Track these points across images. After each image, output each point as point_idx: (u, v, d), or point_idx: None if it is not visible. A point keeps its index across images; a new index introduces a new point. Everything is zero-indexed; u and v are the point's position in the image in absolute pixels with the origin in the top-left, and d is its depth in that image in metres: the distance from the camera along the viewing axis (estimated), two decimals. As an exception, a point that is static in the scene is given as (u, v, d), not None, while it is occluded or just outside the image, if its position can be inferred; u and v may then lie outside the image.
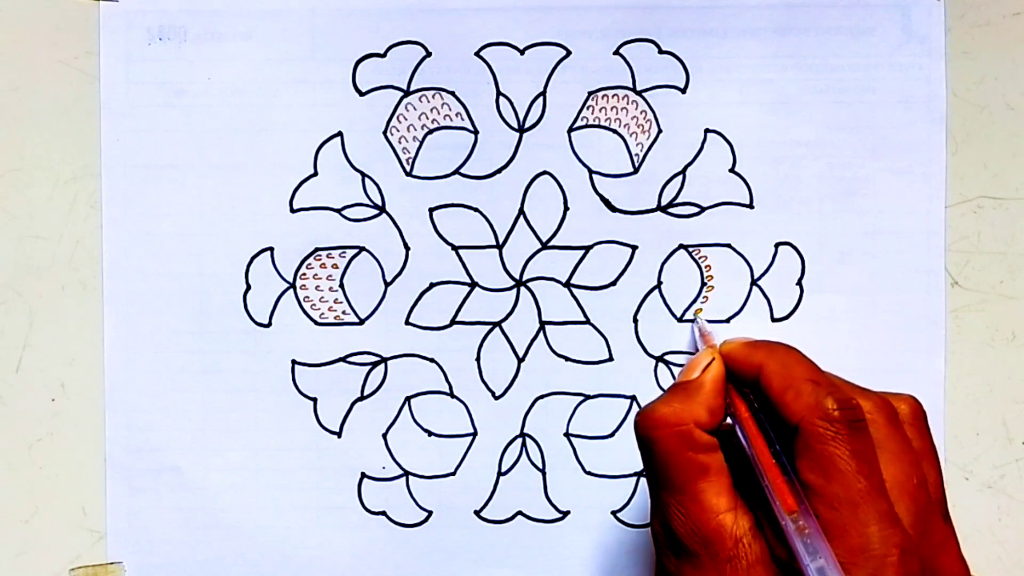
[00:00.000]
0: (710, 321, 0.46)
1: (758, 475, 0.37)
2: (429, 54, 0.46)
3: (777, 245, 0.46)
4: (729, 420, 0.39)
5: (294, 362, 0.47)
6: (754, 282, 0.46)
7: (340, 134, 0.46)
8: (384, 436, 0.47)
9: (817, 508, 0.35)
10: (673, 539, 0.37)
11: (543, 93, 0.46)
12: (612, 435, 0.47)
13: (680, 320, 0.47)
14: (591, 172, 0.46)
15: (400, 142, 0.47)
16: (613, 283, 0.47)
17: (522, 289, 0.47)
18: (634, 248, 0.47)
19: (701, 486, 0.37)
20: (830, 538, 0.35)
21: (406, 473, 0.47)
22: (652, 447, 0.38)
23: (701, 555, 0.36)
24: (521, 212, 0.46)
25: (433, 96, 0.46)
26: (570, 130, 0.46)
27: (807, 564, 0.34)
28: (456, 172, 0.47)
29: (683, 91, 0.46)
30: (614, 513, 0.47)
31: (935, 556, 0.36)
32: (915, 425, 0.38)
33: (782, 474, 0.36)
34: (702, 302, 0.46)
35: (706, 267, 0.47)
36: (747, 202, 0.46)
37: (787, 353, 0.39)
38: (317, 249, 0.47)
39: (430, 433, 0.47)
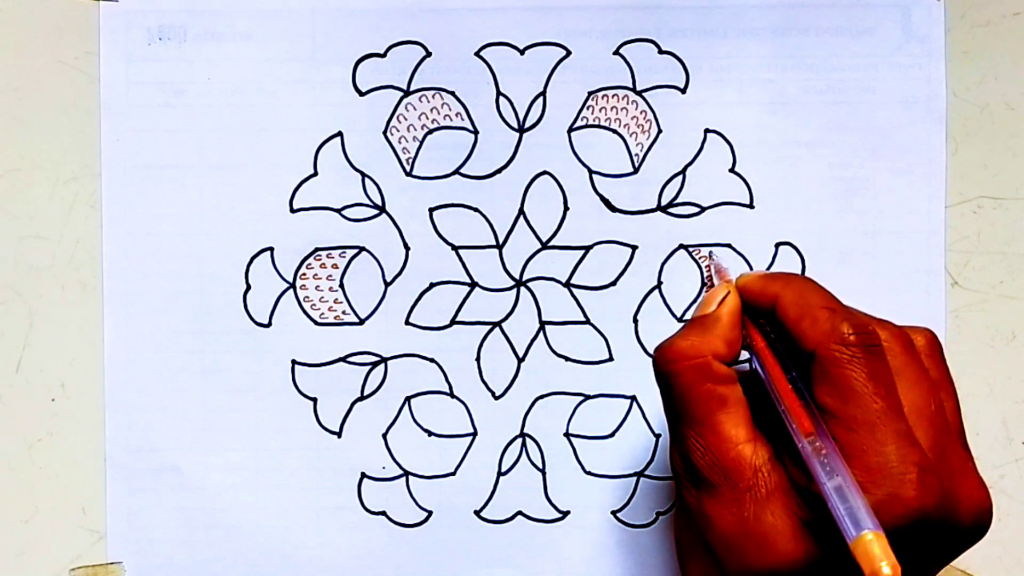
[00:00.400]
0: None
1: (775, 403, 0.37)
2: (429, 54, 0.46)
3: (777, 245, 0.46)
4: (745, 354, 0.39)
5: (294, 362, 0.47)
6: (754, 282, 0.46)
7: (340, 134, 0.47)
8: (384, 436, 0.47)
9: (834, 430, 0.35)
10: (693, 471, 0.37)
11: (543, 93, 0.46)
12: (612, 435, 0.47)
13: (680, 320, 0.47)
14: (591, 172, 0.46)
15: (400, 142, 0.47)
16: (613, 283, 0.47)
17: (522, 289, 0.47)
18: (634, 248, 0.47)
19: (720, 417, 0.37)
20: (848, 459, 0.34)
21: (406, 473, 0.47)
22: (671, 380, 0.38)
23: (721, 486, 0.36)
24: (521, 212, 0.46)
25: (433, 96, 0.46)
26: (570, 130, 0.46)
27: (824, 483, 0.34)
28: (456, 172, 0.47)
29: (683, 91, 0.46)
30: (614, 513, 0.47)
31: (954, 478, 0.36)
32: (932, 356, 0.38)
33: (799, 399, 0.36)
34: (711, 256, 0.46)
35: (706, 267, 0.47)
36: (747, 202, 0.46)
37: (803, 283, 0.39)
38: (317, 249, 0.47)
39: (430, 433, 0.47)
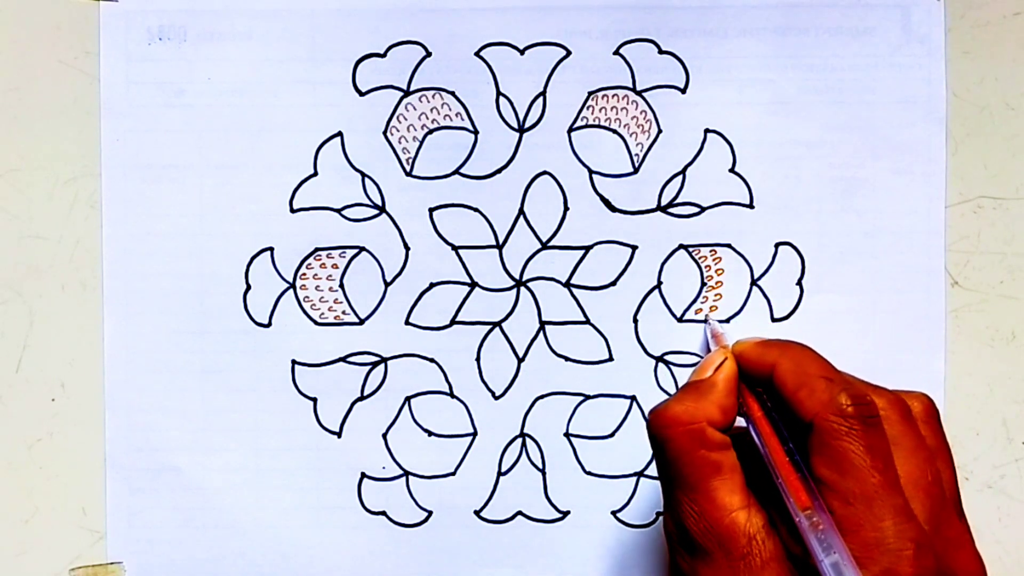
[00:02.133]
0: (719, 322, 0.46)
1: (772, 473, 0.37)
2: (429, 54, 0.46)
3: (777, 245, 0.46)
4: (741, 421, 0.39)
5: (294, 362, 0.47)
6: (754, 282, 0.46)
7: (340, 134, 0.47)
8: (384, 436, 0.47)
9: (831, 504, 0.35)
10: (686, 538, 0.37)
11: (543, 93, 0.46)
12: (612, 435, 0.47)
13: (680, 320, 0.47)
14: (591, 172, 0.46)
15: (400, 142, 0.47)
16: (613, 283, 0.47)
17: (522, 289, 0.47)
18: (634, 248, 0.47)
19: (714, 484, 0.37)
20: (844, 534, 0.35)
21: (406, 473, 0.47)
22: (665, 445, 0.38)
23: (715, 553, 0.36)
24: (521, 212, 0.46)
25: (433, 96, 0.46)
26: (570, 130, 0.46)
27: (821, 559, 0.34)
28: (456, 172, 0.47)
29: (683, 91, 0.46)
30: (614, 513, 0.47)
31: (950, 552, 0.36)
32: (928, 423, 0.38)
33: (795, 471, 0.37)
34: (711, 310, 0.46)
35: (706, 267, 0.47)
36: (747, 202, 0.46)
37: (800, 351, 0.39)
38: (317, 249, 0.47)
39: (430, 433, 0.47)
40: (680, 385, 0.47)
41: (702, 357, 0.46)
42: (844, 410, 0.36)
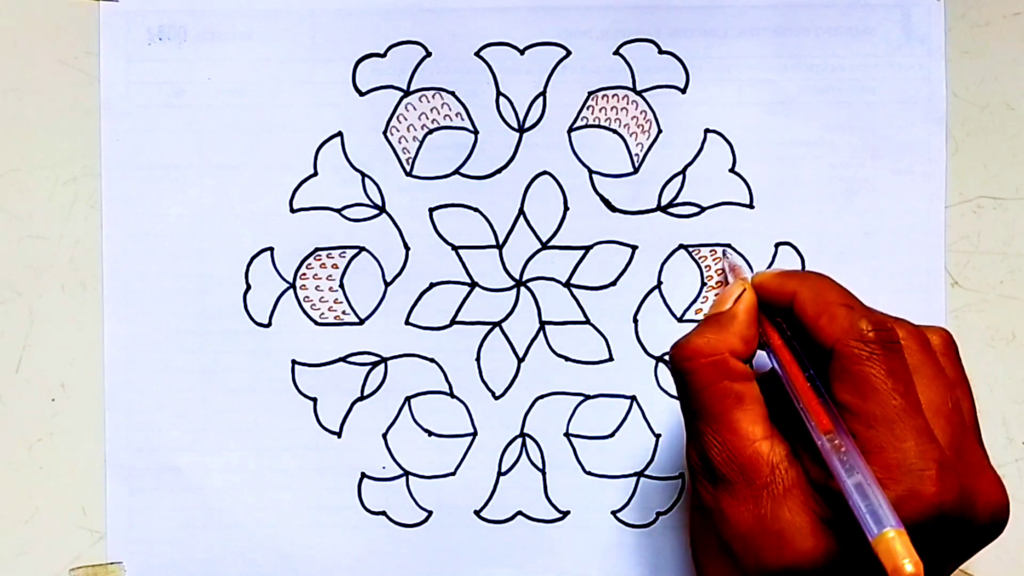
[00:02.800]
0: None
1: (793, 400, 0.37)
2: (429, 54, 0.46)
3: (777, 245, 0.46)
4: (763, 362, 0.39)
5: (294, 362, 0.47)
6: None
7: (340, 134, 0.47)
8: (384, 436, 0.47)
9: (853, 428, 0.35)
10: (710, 468, 0.37)
11: (543, 93, 0.46)
12: (612, 435, 0.47)
13: (680, 320, 0.47)
14: (591, 172, 0.46)
15: (400, 142, 0.47)
16: (613, 283, 0.47)
17: (522, 289, 0.47)
18: (634, 248, 0.47)
19: (737, 415, 0.37)
20: (867, 456, 0.35)
21: (406, 473, 0.47)
22: (688, 378, 0.38)
23: (738, 482, 0.36)
24: (521, 212, 0.46)
25: (433, 96, 0.46)
26: (570, 130, 0.46)
27: (844, 480, 0.34)
28: (456, 172, 0.47)
29: (683, 91, 0.46)
30: (614, 513, 0.47)
31: (971, 475, 0.36)
32: (947, 355, 0.39)
33: (816, 396, 0.36)
34: (725, 255, 0.46)
35: (706, 267, 0.47)
36: (747, 202, 0.46)
37: (820, 280, 0.39)
38: (317, 249, 0.47)
39: (430, 433, 0.47)
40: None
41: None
42: (865, 335, 0.36)
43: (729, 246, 0.46)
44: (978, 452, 0.37)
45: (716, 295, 0.41)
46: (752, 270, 0.46)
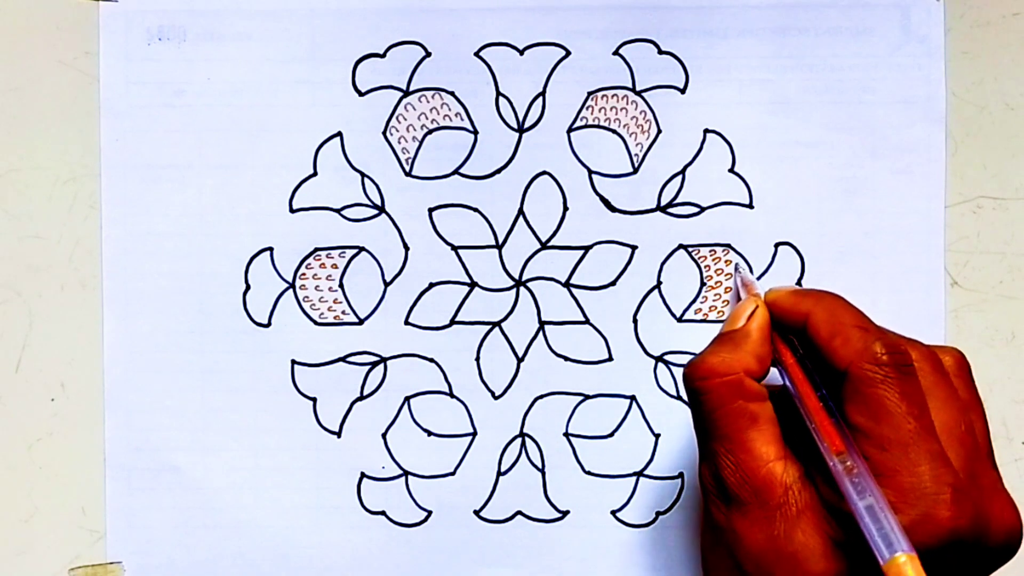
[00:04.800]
0: (712, 321, 0.46)
1: (806, 420, 0.37)
2: (429, 54, 0.46)
3: (777, 245, 0.46)
4: (775, 378, 0.39)
5: (294, 362, 0.47)
6: (754, 282, 0.46)
7: (340, 134, 0.47)
8: (384, 436, 0.47)
9: (866, 450, 0.35)
10: (723, 488, 0.37)
11: (543, 93, 0.46)
12: (612, 435, 0.47)
13: (680, 320, 0.47)
14: (591, 172, 0.46)
15: (400, 142, 0.47)
16: (613, 283, 0.47)
17: (521, 289, 0.47)
18: (634, 248, 0.47)
19: (751, 435, 0.37)
20: (880, 479, 0.34)
21: (406, 473, 0.47)
22: (702, 397, 0.38)
23: (751, 503, 0.36)
24: (521, 212, 0.46)
25: (433, 96, 0.46)
26: (570, 130, 0.46)
27: (856, 503, 0.34)
28: (456, 172, 0.47)
29: (683, 91, 0.46)
30: (614, 513, 0.47)
31: (986, 499, 0.36)
32: (960, 376, 0.38)
33: (829, 416, 0.36)
34: (737, 269, 0.46)
35: (706, 267, 0.47)
36: (747, 202, 0.46)
37: (834, 300, 0.39)
38: (317, 249, 0.47)
39: (430, 433, 0.47)
40: (680, 386, 0.47)
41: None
42: (879, 358, 0.36)
43: (729, 246, 0.46)
44: (992, 474, 0.37)
45: (729, 311, 0.41)
46: (752, 271, 0.46)
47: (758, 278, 0.46)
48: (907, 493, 0.34)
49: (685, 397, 0.39)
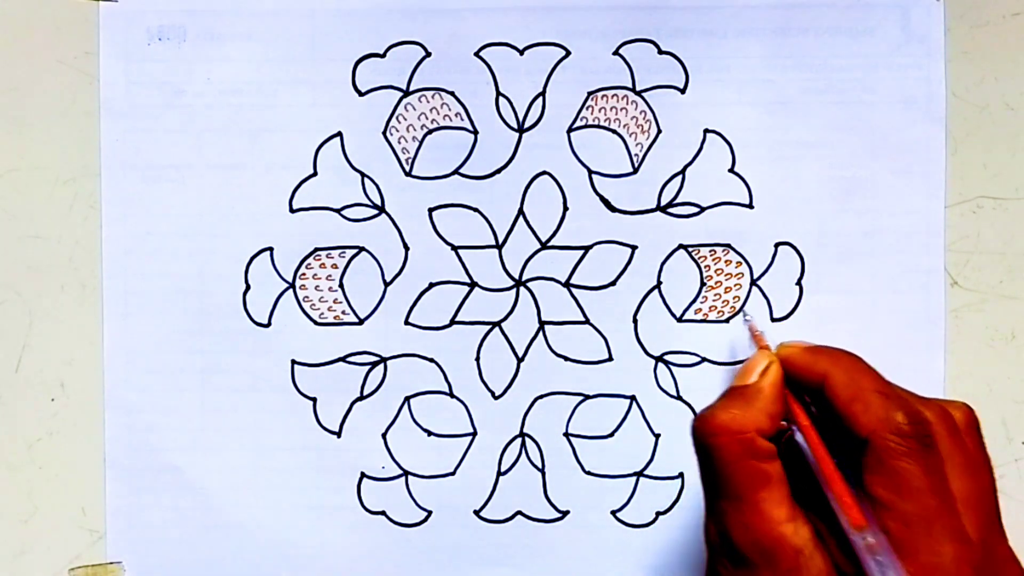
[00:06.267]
0: (712, 321, 0.46)
1: (822, 485, 0.37)
2: (429, 54, 0.46)
3: (777, 245, 0.46)
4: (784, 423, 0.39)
5: (294, 362, 0.47)
6: (754, 282, 0.46)
7: (340, 134, 0.47)
8: (384, 436, 0.47)
9: (888, 524, 0.35)
10: (731, 548, 0.36)
11: (543, 93, 0.46)
12: (612, 435, 0.47)
13: (680, 320, 0.47)
14: (591, 172, 0.46)
15: (400, 142, 0.47)
16: (613, 283, 0.47)
17: (521, 289, 0.47)
18: (634, 248, 0.47)
19: (762, 495, 0.36)
20: (901, 556, 0.34)
21: (406, 473, 0.47)
22: (712, 454, 0.37)
23: (760, 566, 0.36)
24: (521, 212, 0.46)
25: (433, 96, 0.46)
26: (570, 130, 0.46)
27: None
28: (456, 172, 0.47)
29: (683, 91, 0.46)
30: (614, 513, 0.47)
31: (1001, 571, 0.36)
32: (970, 434, 0.38)
33: (848, 487, 0.36)
34: (746, 318, 0.46)
35: (706, 267, 0.47)
36: (747, 202, 0.46)
37: (852, 362, 0.38)
38: (317, 249, 0.47)
39: (430, 433, 0.47)
40: (680, 386, 0.47)
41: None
42: (902, 428, 0.35)
43: (729, 246, 0.46)
44: (1004, 543, 0.37)
45: (741, 365, 0.40)
46: (752, 271, 0.46)
47: (758, 278, 0.46)
48: (929, 572, 0.34)
49: (693, 449, 0.38)
